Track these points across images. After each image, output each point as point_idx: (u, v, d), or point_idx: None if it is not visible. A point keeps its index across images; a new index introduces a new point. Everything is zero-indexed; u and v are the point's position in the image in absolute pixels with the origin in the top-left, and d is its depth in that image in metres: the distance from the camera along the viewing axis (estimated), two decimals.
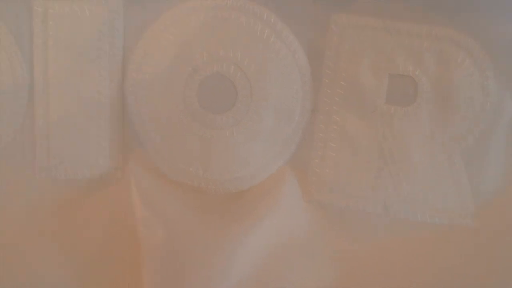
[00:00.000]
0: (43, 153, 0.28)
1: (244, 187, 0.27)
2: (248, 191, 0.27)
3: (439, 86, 0.25)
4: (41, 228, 0.28)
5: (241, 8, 0.26)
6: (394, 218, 0.27)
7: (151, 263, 0.26)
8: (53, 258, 0.28)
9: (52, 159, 0.28)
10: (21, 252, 0.28)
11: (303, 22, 0.26)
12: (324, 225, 0.27)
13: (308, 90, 0.26)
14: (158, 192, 0.27)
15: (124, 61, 0.27)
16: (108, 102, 0.27)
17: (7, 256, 0.28)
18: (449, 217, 0.27)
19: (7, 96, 0.27)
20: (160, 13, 0.26)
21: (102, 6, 0.26)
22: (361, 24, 0.26)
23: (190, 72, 0.26)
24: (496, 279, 0.26)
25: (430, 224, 0.26)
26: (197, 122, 0.27)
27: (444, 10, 0.25)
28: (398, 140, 0.26)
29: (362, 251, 0.27)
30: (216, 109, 0.27)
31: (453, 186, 0.26)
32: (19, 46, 0.27)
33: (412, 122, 0.26)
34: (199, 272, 0.26)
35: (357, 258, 0.27)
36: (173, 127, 0.27)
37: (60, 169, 0.28)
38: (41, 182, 0.28)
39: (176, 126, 0.27)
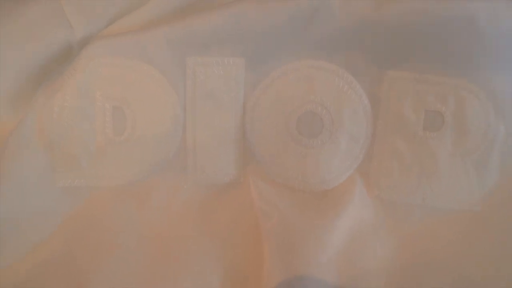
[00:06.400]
0: (192, 167, 0.33)
1: (329, 187, 0.32)
2: (331, 190, 0.33)
3: (457, 118, 0.31)
4: (193, 218, 0.33)
5: (324, 68, 0.31)
6: (429, 207, 0.32)
7: (269, 240, 0.31)
8: (201, 237, 0.32)
9: (198, 170, 0.33)
10: (181, 238, 0.32)
11: (366, 76, 0.32)
12: (383, 214, 0.32)
13: (369, 122, 0.32)
14: (269, 190, 0.33)
15: (244, 104, 0.32)
16: (233, 131, 0.33)
17: (171, 243, 0.32)
18: (464, 204, 0.32)
19: (168, 128, 0.32)
20: (269, 72, 0.32)
21: (232, 69, 0.32)
22: (404, 77, 0.31)
23: (291, 110, 0.32)
24: (496, 257, 0.30)
25: (453, 210, 0.32)
26: (296, 144, 0.32)
27: (460, 67, 0.30)
28: (431, 154, 0.31)
29: (409, 230, 0.32)
30: (309, 135, 0.32)
31: (466, 184, 0.32)
32: (176, 93, 0.32)
33: (440, 142, 0.31)
34: (304, 246, 0.30)
35: (406, 234, 0.32)
36: (280, 147, 0.32)
37: (203, 177, 0.33)
38: (190, 187, 0.33)
39: (282, 146, 0.32)
